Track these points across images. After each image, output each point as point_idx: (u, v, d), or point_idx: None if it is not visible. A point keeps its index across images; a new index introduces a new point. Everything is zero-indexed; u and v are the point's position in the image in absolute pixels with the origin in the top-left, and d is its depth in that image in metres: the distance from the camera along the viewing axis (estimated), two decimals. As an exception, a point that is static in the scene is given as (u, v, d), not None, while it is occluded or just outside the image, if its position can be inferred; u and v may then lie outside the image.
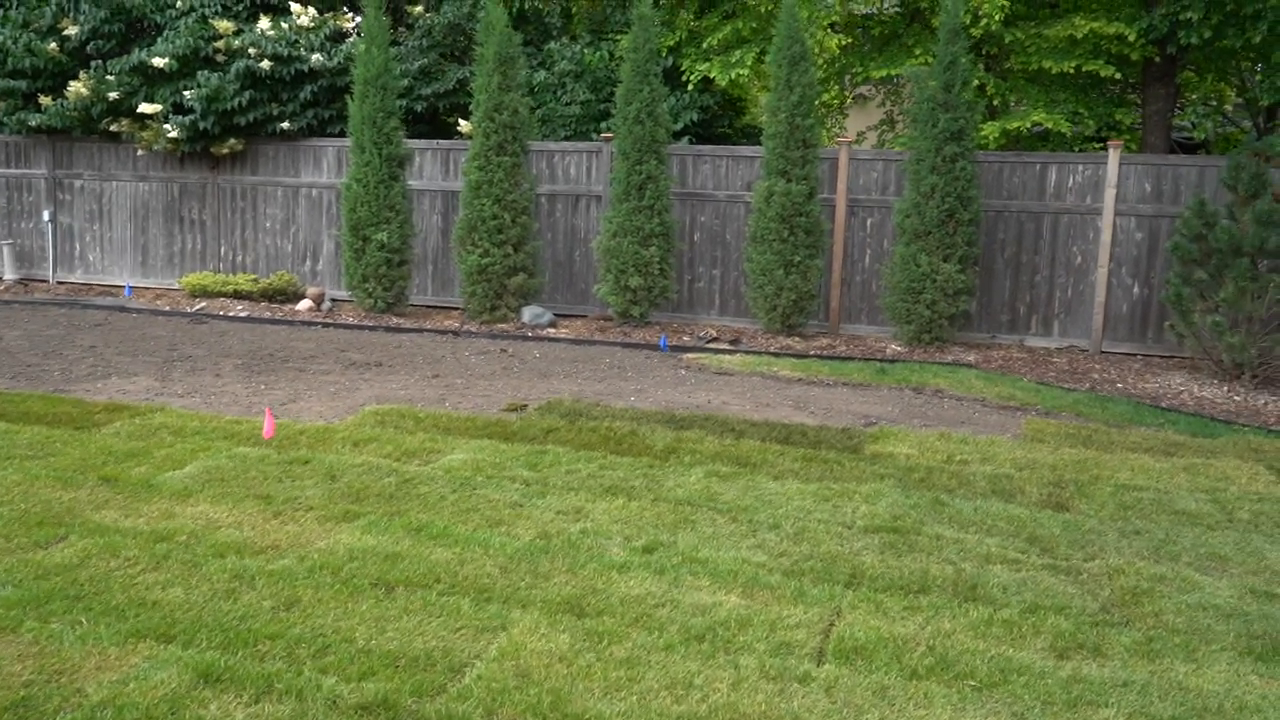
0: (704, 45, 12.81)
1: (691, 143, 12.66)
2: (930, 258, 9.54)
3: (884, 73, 12.25)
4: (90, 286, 13.29)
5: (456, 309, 11.77)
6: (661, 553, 4.25)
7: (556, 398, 7.40)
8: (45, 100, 12.56)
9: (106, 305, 11.80)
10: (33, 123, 12.71)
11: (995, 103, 12.54)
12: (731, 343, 10.04)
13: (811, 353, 9.63)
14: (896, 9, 13.54)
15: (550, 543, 4.31)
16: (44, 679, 3.04)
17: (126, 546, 4.09)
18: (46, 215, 13.40)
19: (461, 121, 12.14)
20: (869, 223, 10.71)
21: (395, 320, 11.01)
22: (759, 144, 10.47)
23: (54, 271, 13.53)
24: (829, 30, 12.55)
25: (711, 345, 9.90)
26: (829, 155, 10.74)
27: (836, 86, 13.78)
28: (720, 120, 13.85)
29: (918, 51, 11.97)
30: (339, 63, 12.13)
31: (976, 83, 12.04)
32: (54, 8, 12.58)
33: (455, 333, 10.42)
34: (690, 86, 12.83)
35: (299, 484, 5.03)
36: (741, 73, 12.19)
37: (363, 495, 4.89)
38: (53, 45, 12.52)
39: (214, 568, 3.91)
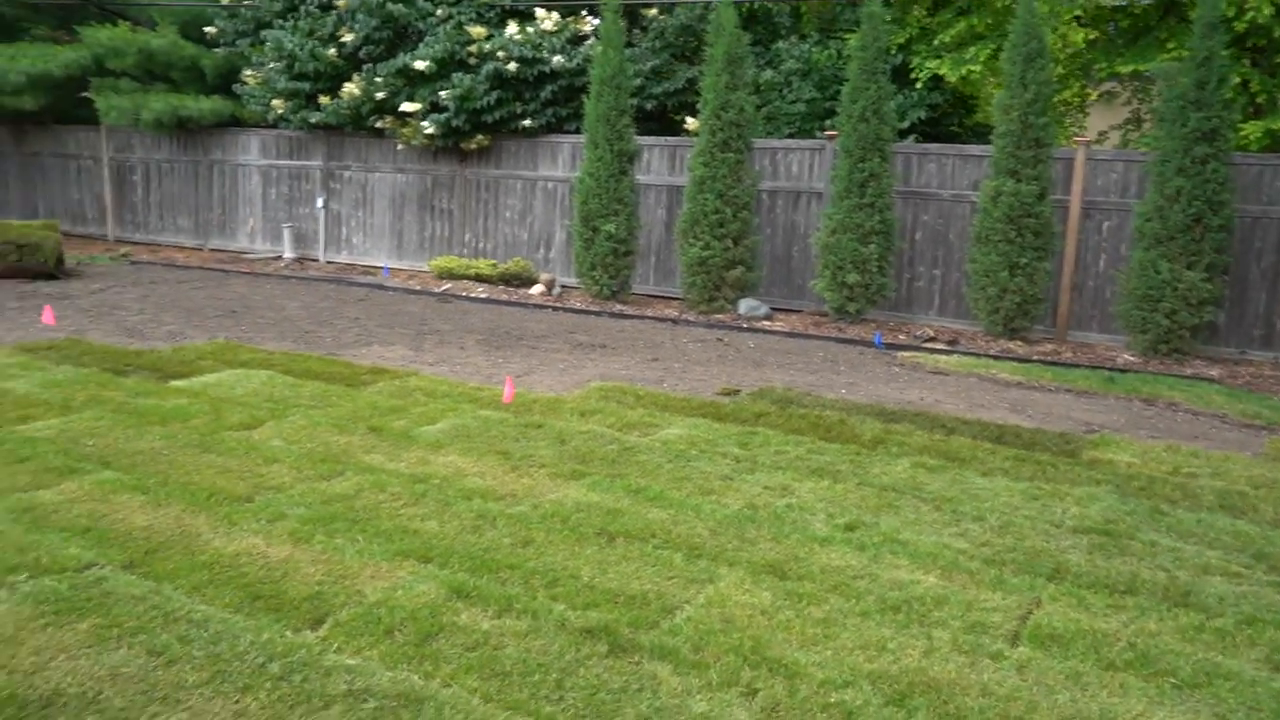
0: (935, 42, 12.62)
1: (917, 141, 12.51)
2: (1172, 264, 9.01)
3: (1131, 68, 11.61)
4: (353, 266, 14.85)
5: (676, 299, 12.26)
6: (863, 531, 4.43)
7: (768, 385, 7.66)
8: (324, 100, 14.13)
9: (366, 283, 13.17)
10: (313, 120, 14.34)
11: (1260, 101, 11.58)
12: (949, 343, 9.91)
13: (1034, 358, 9.35)
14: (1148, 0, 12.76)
15: (757, 513, 4.60)
16: (331, 580, 3.66)
17: (390, 484, 4.74)
18: (320, 202, 15.09)
19: (688, 119, 12.60)
20: (1105, 226, 10.22)
21: (619, 307, 11.63)
22: (988, 143, 10.25)
23: (324, 252, 15.21)
24: (1073, 24, 12.03)
25: (928, 345, 9.82)
26: (1064, 155, 10.34)
27: (1078, 83, 13.16)
28: (949, 118, 13.59)
29: (1170, 46, 11.26)
30: (577, 64, 12.90)
31: (1238, 79, 11.19)
32: (334, 18, 14.12)
33: (674, 321, 10.89)
34: (919, 84, 12.68)
35: (533, 444, 5.58)
36: (974, 69, 11.93)
37: (588, 458, 5.37)
38: (332, 51, 14.06)
39: (461, 507, 4.47)
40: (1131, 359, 9.40)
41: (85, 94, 16.13)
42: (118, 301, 10.96)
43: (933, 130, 13.22)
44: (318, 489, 4.66)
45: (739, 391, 7.45)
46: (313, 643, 3.18)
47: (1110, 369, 8.94)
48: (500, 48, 12.85)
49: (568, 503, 4.61)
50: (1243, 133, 11.25)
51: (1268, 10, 10.66)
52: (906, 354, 9.48)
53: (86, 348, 7.98)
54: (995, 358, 9.28)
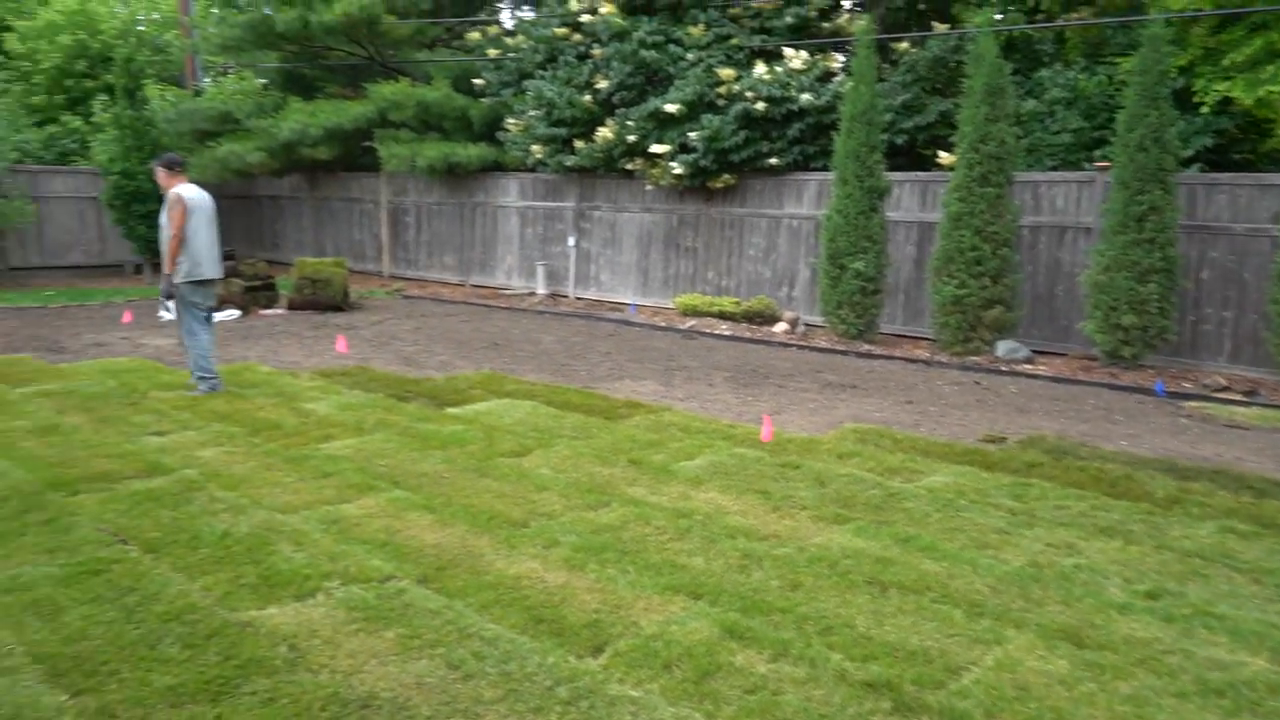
0: (1224, 63, 11.49)
1: (1202, 170, 11.41)
2: None
3: None
4: (601, 302, 15.42)
5: (926, 339, 11.80)
6: (1168, 600, 4.01)
7: (1038, 433, 7.17)
8: (578, 144, 14.85)
9: (614, 319, 13.63)
10: (568, 163, 15.10)
11: None
12: (1246, 394, 8.89)
13: (1353, 413, 8.20)
14: None
15: (1041, 572, 4.27)
16: (607, 610, 3.74)
17: (655, 517, 4.81)
18: (571, 241, 15.83)
19: (940, 153, 12.17)
20: None
21: (866, 347, 11.34)
22: (1295, 170, 9.17)
23: (574, 288, 15.91)
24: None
25: (1220, 395, 8.85)
26: (1392, 182, 9.08)
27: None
28: (1238, 145, 12.31)
29: None
30: (826, 101, 12.81)
31: None
32: (590, 66, 14.85)
33: (926, 362, 10.48)
34: (1205, 109, 11.58)
35: (792, 485, 5.50)
36: (1273, 90, 10.75)
37: (850, 502, 5.22)
38: (587, 98, 14.77)
39: (726, 545, 4.46)
40: None
41: (369, 143, 17.86)
42: (394, 333, 11.95)
43: (1219, 159, 12.01)
44: (586, 518, 4.80)
45: (1005, 439, 7.01)
46: (595, 670, 3.25)
47: None
48: (749, 88, 13.00)
49: (833, 548, 4.49)
50: None
51: None
52: (1194, 404, 8.59)
53: (373, 375, 8.73)
54: (1305, 411, 8.22)
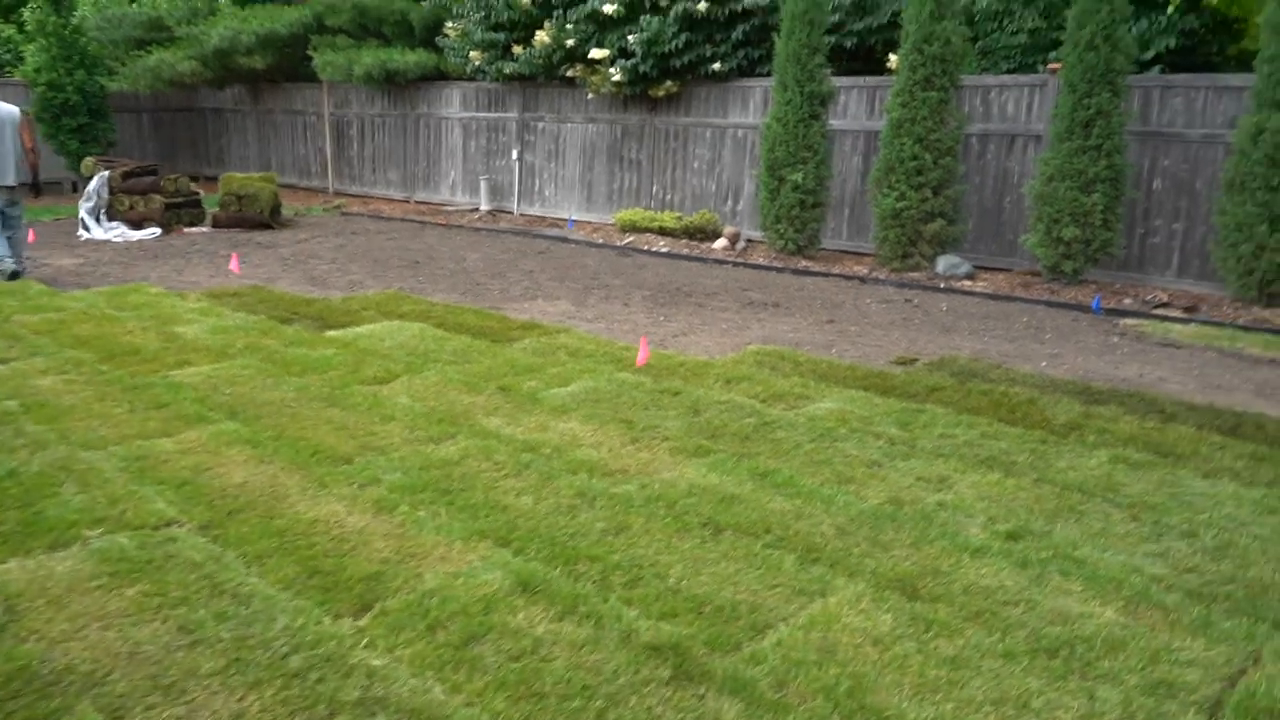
0: (1193, -44, 10.76)
1: (1163, 72, 10.79)
2: None
3: None
4: (544, 218, 14.82)
5: (870, 255, 11.31)
6: (1029, 542, 3.63)
7: (952, 354, 6.76)
8: (517, 49, 14.05)
9: (551, 235, 13.06)
10: (507, 70, 14.32)
11: None
12: (1186, 309, 8.47)
13: (1295, 330, 7.81)
14: None
15: (900, 510, 3.89)
16: (396, 560, 3.34)
17: (498, 451, 4.40)
18: (514, 154, 15.14)
19: (892, 56, 11.48)
20: (1405, 170, 8.33)
21: (804, 263, 10.85)
22: (1252, 71, 8.58)
23: (518, 204, 15.28)
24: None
25: (1158, 311, 8.43)
26: (1353, 83, 8.49)
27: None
28: (1205, 47, 11.64)
29: None
30: (772, 0, 12.05)
31: None
32: (531, -35, 13.95)
33: (862, 279, 10.00)
34: (1171, 7, 10.89)
35: (663, 413, 5.08)
36: (1242, -15, 10.07)
37: (719, 433, 4.81)
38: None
39: (564, 483, 4.05)
40: None
41: (308, 52, 16.97)
42: (314, 251, 11.40)
43: (1185, 62, 11.36)
44: (422, 452, 4.39)
45: (916, 360, 6.60)
46: (346, 634, 2.86)
47: (1399, 346, 7.29)
48: (691, -13, 12.21)
49: (681, 484, 4.09)
50: None
51: None
52: (1130, 321, 8.18)
53: (266, 295, 8.23)
54: (1244, 329, 7.82)
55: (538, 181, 15.10)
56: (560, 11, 13.50)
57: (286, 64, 17.76)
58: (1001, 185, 10.53)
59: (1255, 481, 4.35)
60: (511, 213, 15.29)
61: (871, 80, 11.49)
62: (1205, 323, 8.01)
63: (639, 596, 3.13)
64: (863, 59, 12.81)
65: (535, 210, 15.12)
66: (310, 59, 16.99)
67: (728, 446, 4.60)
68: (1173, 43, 10.99)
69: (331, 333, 6.85)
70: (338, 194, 17.90)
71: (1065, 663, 2.83)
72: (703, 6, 12.09)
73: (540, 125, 14.91)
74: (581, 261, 11.01)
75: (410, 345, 6.52)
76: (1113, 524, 3.83)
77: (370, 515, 3.69)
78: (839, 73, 12.23)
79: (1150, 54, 11.07)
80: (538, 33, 13.53)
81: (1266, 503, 4.06)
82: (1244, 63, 12.03)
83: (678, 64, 12.53)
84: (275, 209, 13.72)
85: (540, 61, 13.76)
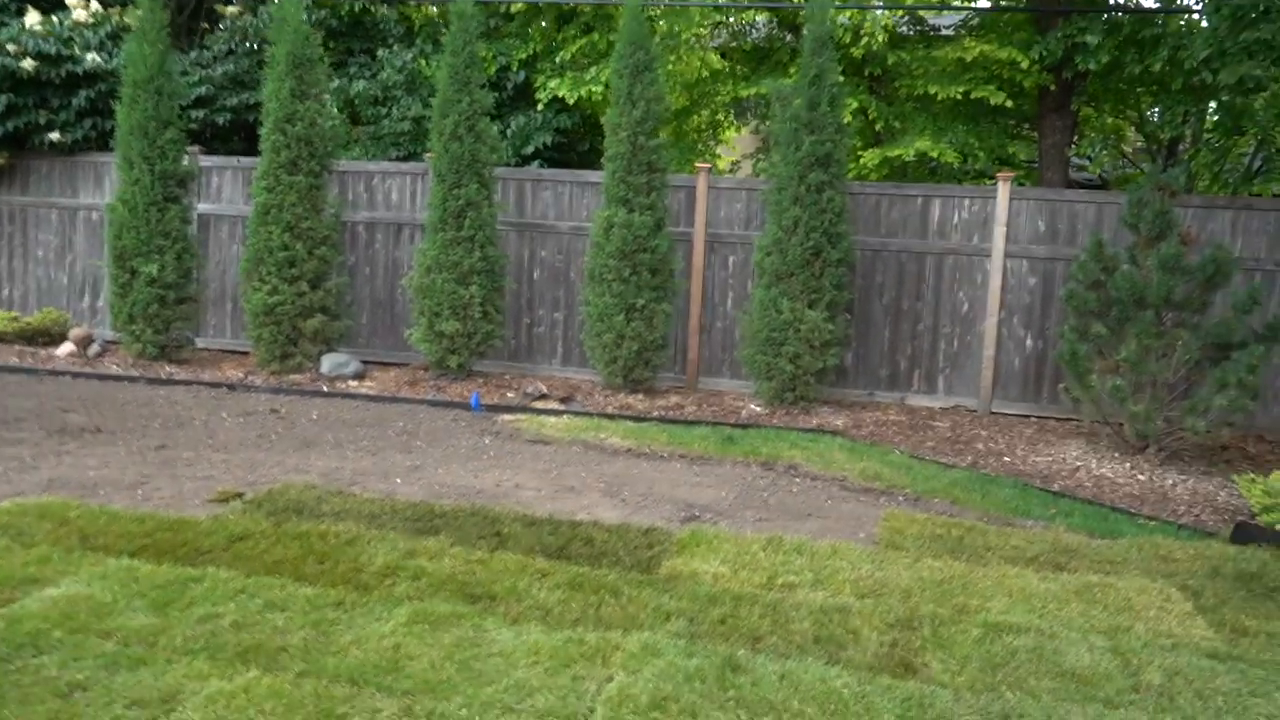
0: (557, 60, 11.37)
1: (542, 167, 11.15)
2: (793, 303, 8.13)
3: (751, 91, 10.98)
4: None
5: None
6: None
7: (287, 482, 5.68)
8: None
9: None
10: None
11: (879, 129, 11.36)
12: (563, 400, 8.45)
13: (654, 413, 8.11)
14: (771, 25, 12.33)
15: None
16: None
17: None
18: None
19: (272, 137, 10.40)
20: (731, 261, 9.28)
21: (170, 369, 9.15)
22: (604, 168, 8.99)
23: None
24: (699, 47, 11.26)
25: (537, 404, 8.29)
26: (685, 184, 9.32)
27: (707, 110, 12.47)
28: (579, 143, 12.41)
29: (792, 70, 10.71)
30: (121, 64, 10.30)
31: (856, 105, 10.85)
32: None
33: (232, 386, 8.61)
34: (541, 105, 11.36)
35: None
36: (595, 90, 10.78)
37: None
38: None
39: None
40: (758, 409, 8.42)
41: None
42: None
43: (562, 157, 11.95)
44: None
45: (241, 495, 5.41)
46: None
47: (733, 425, 7.85)
48: (10, 40, 9.97)
49: None
50: (863, 160, 10.93)
51: (882, 37, 10.35)
52: (509, 417, 7.89)
53: None
54: (611, 416, 7.93)
55: None
56: None
57: None
58: (393, 276, 9.93)
59: (563, 621, 3.84)
60: None
61: (247, 161, 10.26)
62: (577, 413, 8.00)
63: None
64: (245, 137, 11.56)
65: None
66: None
67: None
68: (549, 139, 11.45)
69: None
70: None
71: None
72: (28, 64, 9.91)
73: None
74: None
75: None
76: (373, 731, 2.95)
77: None
78: (214, 151, 10.87)
79: (530, 148, 11.42)
80: None
81: (564, 653, 3.51)
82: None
83: (2, 131, 10.13)
84: None
85: None
